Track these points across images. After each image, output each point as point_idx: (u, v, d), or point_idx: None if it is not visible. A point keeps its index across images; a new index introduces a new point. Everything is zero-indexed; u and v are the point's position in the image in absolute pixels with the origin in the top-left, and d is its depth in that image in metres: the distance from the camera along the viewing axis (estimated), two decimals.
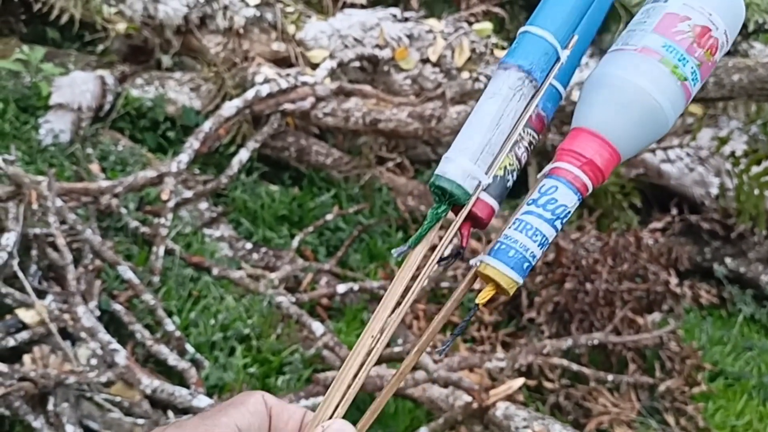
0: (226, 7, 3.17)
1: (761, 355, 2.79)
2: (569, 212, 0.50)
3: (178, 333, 2.04)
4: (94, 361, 1.86)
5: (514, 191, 0.56)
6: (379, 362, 1.78)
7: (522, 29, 0.53)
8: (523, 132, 0.52)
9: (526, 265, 0.49)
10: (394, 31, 3.11)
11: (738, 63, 2.31)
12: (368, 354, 0.49)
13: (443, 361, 2.01)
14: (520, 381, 1.90)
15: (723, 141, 2.97)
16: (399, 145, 3.33)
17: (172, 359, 1.94)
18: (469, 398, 1.86)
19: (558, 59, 0.52)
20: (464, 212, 0.50)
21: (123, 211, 2.44)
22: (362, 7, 3.45)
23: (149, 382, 1.81)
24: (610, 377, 2.26)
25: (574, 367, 2.23)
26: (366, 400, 1.76)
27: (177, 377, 1.93)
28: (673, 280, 2.65)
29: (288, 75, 2.92)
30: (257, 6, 3.20)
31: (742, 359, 2.75)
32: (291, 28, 3.19)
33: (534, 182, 0.52)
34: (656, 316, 2.56)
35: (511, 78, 0.51)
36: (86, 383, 1.78)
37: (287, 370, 2.12)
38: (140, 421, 1.78)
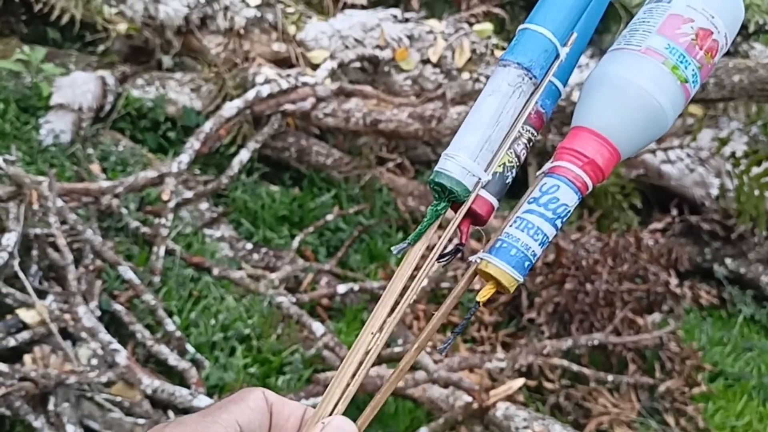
0: (226, 8, 3.17)
1: (761, 355, 2.79)
2: (570, 211, 0.51)
3: (178, 333, 2.04)
4: (94, 361, 1.86)
5: (515, 190, 0.56)
6: (379, 362, 1.77)
7: (521, 26, 0.54)
8: (523, 129, 0.52)
9: (527, 263, 0.50)
10: (394, 31, 3.11)
11: (738, 64, 2.31)
12: (368, 351, 0.49)
13: (443, 362, 2.01)
14: (520, 381, 1.90)
15: (723, 142, 2.97)
16: (399, 145, 3.33)
17: (173, 359, 1.94)
18: (469, 398, 1.86)
19: (557, 56, 0.52)
20: (464, 209, 0.50)
21: (124, 211, 2.44)
22: (363, 7, 3.45)
23: (150, 382, 1.81)
24: (610, 378, 2.27)
25: (575, 367, 2.23)
26: (366, 401, 1.76)
27: (177, 377, 1.94)
28: (674, 281, 2.65)
29: (288, 75, 2.93)
30: (258, 6, 3.20)
31: (742, 360, 2.75)
32: (291, 29, 3.19)
33: (534, 180, 0.52)
34: (656, 316, 2.56)
35: (511, 75, 0.51)
36: (87, 383, 1.78)
37: (287, 370, 2.12)
38: (141, 421, 1.78)
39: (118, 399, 1.81)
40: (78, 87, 2.98)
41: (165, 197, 2.38)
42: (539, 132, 0.53)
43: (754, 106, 2.97)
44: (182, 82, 3.20)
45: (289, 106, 2.88)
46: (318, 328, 2.16)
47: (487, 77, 2.97)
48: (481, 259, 0.50)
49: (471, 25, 3.25)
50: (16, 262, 2.00)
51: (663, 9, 0.54)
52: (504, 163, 0.51)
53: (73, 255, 2.10)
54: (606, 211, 3.12)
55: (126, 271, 2.13)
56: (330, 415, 0.48)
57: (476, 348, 2.40)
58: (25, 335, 1.89)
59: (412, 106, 2.80)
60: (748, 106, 3.02)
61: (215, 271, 2.39)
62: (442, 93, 2.87)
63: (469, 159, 0.50)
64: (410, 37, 3.12)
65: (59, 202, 2.15)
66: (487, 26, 3.21)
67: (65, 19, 3.21)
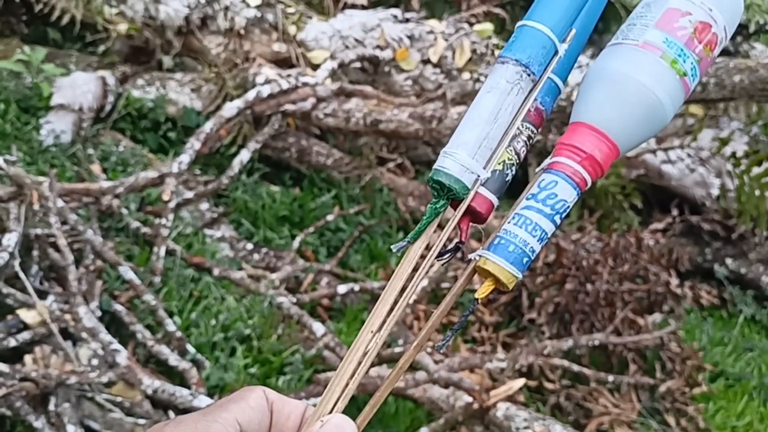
0: (227, 8, 3.17)
1: (762, 355, 2.79)
2: (568, 207, 0.50)
3: (179, 333, 2.04)
4: (95, 362, 1.86)
5: (516, 190, 0.56)
6: (379, 362, 1.77)
7: (519, 23, 0.54)
8: (522, 126, 0.52)
9: (525, 260, 0.49)
10: (394, 31, 3.11)
11: (739, 64, 2.31)
12: (367, 350, 0.49)
13: (444, 362, 2.01)
14: (521, 382, 1.90)
15: (724, 142, 2.97)
16: (400, 145, 3.33)
17: (173, 359, 1.94)
18: (469, 399, 1.86)
19: (556, 53, 0.52)
20: (463, 207, 0.50)
21: (124, 211, 2.44)
22: (363, 7, 3.45)
23: (150, 382, 1.81)
24: (610, 378, 2.26)
25: (575, 367, 2.23)
26: (367, 401, 1.76)
27: (178, 377, 1.94)
28: (674, 281, 2.65)
29: (289, 76, 2.93)
30: (258, 7, 3.20)
31: (742, 360, 2.75)
32: (292, 29, 3.19)
33: (533, 176, 0.52)
34: (657, 316, 2.56)
35: (509, 72, 0.51)
36: (87, 383, 1.78)
37: (288, 370, 2.12)
38: (141, 421, 1.78)
39: (119, 399, 1.81)
40: (78, 87, 2.98)
41: (165, 197, 2.38)
42: (539, 129, 0.53)
43: (754, 106, 2.97)
44: (183, 82, 3.21)
45: (289, 107, 2.88)
46: (318, 328, 2.16)
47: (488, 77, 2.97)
48: (480, 256, 0.50)
49: (471, 25, 3.25)
50: (16, 263, 2.00)
51: (661, 3, 0.54)
52: (504, 161, 0.51)
53: (74, 255, 2.10)
54: (606, 212, 3.12)
55: (126, 271, 2.13)
56: (330, 413, 0.48)
57: (477, 348, 2.40)
58: (25, 335, 1.89)
59: (413, 107, 2.80)
60: (749, 106, 3.02)
61: (216, 272, 2.39)
62: (443, 93, 2.87)
63: (467, 156, 0.50)
64: (410, 38, 3.12)
65: (60, 203, 2.15)
66: (488, 26, 3.21)
67: (66, 19, 3.21)
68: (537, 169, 0.52)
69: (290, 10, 3.27)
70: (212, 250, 2.54)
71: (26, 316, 1.93)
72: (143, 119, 3.10)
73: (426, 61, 3.09)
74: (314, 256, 2.73)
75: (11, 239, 2.01)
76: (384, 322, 0.49)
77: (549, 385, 2.24)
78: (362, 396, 1.76)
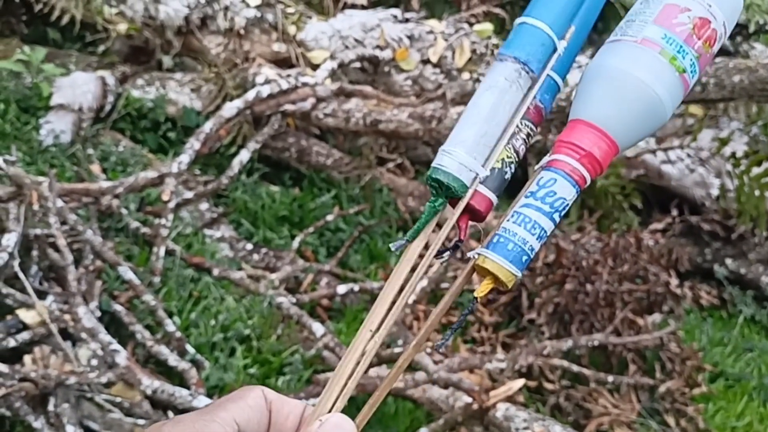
0: (226, 8, 3.17)
1: (762, 356, 2.79)
2: (568, 205, 0.50)
3: (178, 333, 2.04)
4: (94, 362, 1.86)
5: (515, 189, 0.56)
6: (379, 363, 1.77)
7: (518, 21, 0.53)
8: (521, 124, 0.51)
9: (524, 258, 0.49)
10: (394, 31, 3.11)
11: (739, 64, 2.31)
12: (366, 348, 0.49)
13: (443, 362, 2.01)
14: (521, 382, 1.90)
15: (723, 142, 2.97)
16: (399, 145, 3.33)
17: (173, 360, 1.94)
18: (469, 399, 1.85)
19: (555, 50, 0.52)
20: (462, 204, 0.50)
21: (124, 211, 2.44)
22: (363, 7, 3.45)
23: (150, 382, 1.81)
24: (610, 378, 2.26)
25: (575, 368, 2.23)
26: (366, 401, 1.76)
27: (177, 378, 1.93)
28: (674, 281, 2.65)
29: (288, 76, 2.93)
30: (258, 7, 3.20)
31: (742, 360, 2.75)
32: (292, 29, 3.19)
33: (532, 174, 0.52)
34: (656, 317, 2.56)
35: (508, 69, 0.51)
36: (87, 384, 1.78)
37: (287, 370, 2.11)
38: (141, 421, 1.77)
39: (118, 400, 1.81)
40: (78, 87, 2.98)
41: (165, 197, 2.37)
42: (538, 127, 0.53)
43: (754, 106, 2.97)
44: (182, 82, 3.20)
45: (289, 107, 2.88)
46: (318, 328, 2.16)
47: None
48: (479, 254, 0.50)
49: (471, 25, 3.25)
50: (16, 263, 2.00)
51: None
52: (503, 159, 0.51)
53: (73, 255, 2.10)
54: (606, 212, 3.12)
55: (126, 271, 2.13)
56: (329, 412, 0.48)
57: (476, 348, 2.40)
58: (25, 336, 1.89)
59: (413, 107, 2.80)
60: (749, 107, 3.01)
61: (215, 272, 2.39)
62: (443, 93, 2.87)
63: (466, 154, 0.50)
64: (410, 38, 3.12)
65: (59, 203, 2.15)
66: (488, 26, 3.20)
67: (65, 19, 3.21)
68: (536, 167, 0.52)
69: (290, 10, 3.26)
70: (212, 250, 2.54)
71: (25, 316, 1.93)
72: (143, 119, 3.10)
73: (426, 61, 3.09)
74: (314, 257, 2.73)
75: (11, 239, 2.01)
76: (383, 321, 0.49)
77: (549, 386, 2.24)
78: (361, 396, 1.76)
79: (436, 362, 1.98)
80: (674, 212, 3.11)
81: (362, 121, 2.83)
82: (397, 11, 3.25)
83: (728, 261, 3.15)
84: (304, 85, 2.87)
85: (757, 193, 2.89)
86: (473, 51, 3.08)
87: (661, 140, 3.16)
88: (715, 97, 2.34)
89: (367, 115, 2.82)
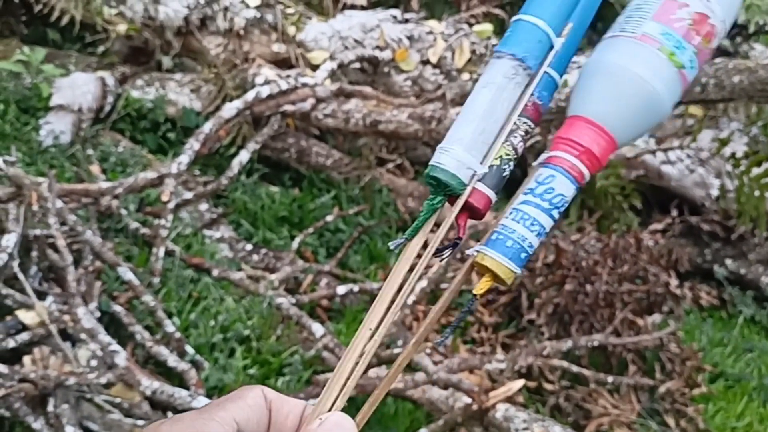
0: (226, 9, 3.17)
1: (761, 356, 2.78)
2: (567, 201, 0.50)
3: (178, 334, 2.04)
4: (94, 363, 1.86)
5: (515, 189, 0.56)
6: (378, 364, 1.76)
7: (515, 18, 0.53)
8: (519, 121, 0.51)
9: (523, 255, 0.49)
10: (394, 32, 3.11)
11: (738, 64, 2.31)
12: (365, 347, 0.49)
13: (443, 363, 2.01)
14: (520, 382, 1.90)
15: (723, 142, 2.97)
16: (399, 146, 3.33)
17: (172, 360, 1.94)
18: (468, 400, 1.85)
19: (552, 47, 0.52)
20: (460, 202, 0.50)
21: (123, 212, 2.44)
22: (362, 8, 3.45)
23: (149, 383, 1.81)
24: (610, 379, 2.26)
25: (574, 368, 2.23)
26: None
27: (177, 378, 1.93)
28: (674, 282, 2.65)
29: (288, 76, 2.93)
30: (257, 7, 3.20)
31: (742, 361, 2.75)
32: (291, 30, 3.19)
33: (531, 171, 0.52)
34: (656, 317, 2.56)
35: (505, 66, 0.51)
36: (86, 384, 1.77)
37: (287, 371, 2.11)
38: (140, 422, 1.77)
39: (118, 400, 1.80)
40: (78, 88, 2.98)
41: (165, 198, 2.37)
42: (537, 124, 0.53)
43: (754, 106, 2.97)
44: (182, 82, 3.20)
45: (288, 107, 2.88)
46: (318, 329, 2.16)
47: None
48: (478, 251, 0.50)
49: (471, 25, 3.25)
50: (15, 264, 2.00)
51: None
52: (501, 156, 0.51)
53: (73, 256, 2.10)
54: (606, 212, 3.12)
55: (125, 272, 2.13)
56: (328, 411, 0.48)
57: (476, 349, 2.40)
58: (24, 336, 1.89)
59: (412, 107, 2.80)
60: (748, 107, 3.01)
61: (215, 272, 2.38)
62: (442, 94, 2.87)
63: (463, 152, 0.49)
64: (410, 38, 3.12)
65: (59, 203, 2.15)
66: (487, 27, 3.21)
67: (65, 20, 3.21)
68: (534, 164, 0.52)
69: (290, 10, 3.27)
70: (211, 250, 2.54)
71: (25, 317, 1.93)
72: (142, 120, 3.10)
73: (425, 62, 3.09)
74: (313, 257, 2.73)
75: (10, 240, 2.01)
76: (382, 319, 0.49)
77: (548, 386, 2.24)
78: (361, 397, 1.76)
79: (435, 363, 1.98)
80: (674, 213, 3.11)
81: (362, 122, 2.83)
82: (396, 12, 3.26)
83: (728, 261, 3.15)
84: (304, 85, 2.87)
85: (756, 193, 2.89)
86: (473, 52, 3.08)
87: (661, 141, 3.16)
88: (715, 97, 2.34)
89: (366, 115, 2.82)
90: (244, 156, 2.78)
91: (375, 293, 2.43)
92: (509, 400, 1.87)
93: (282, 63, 3.18)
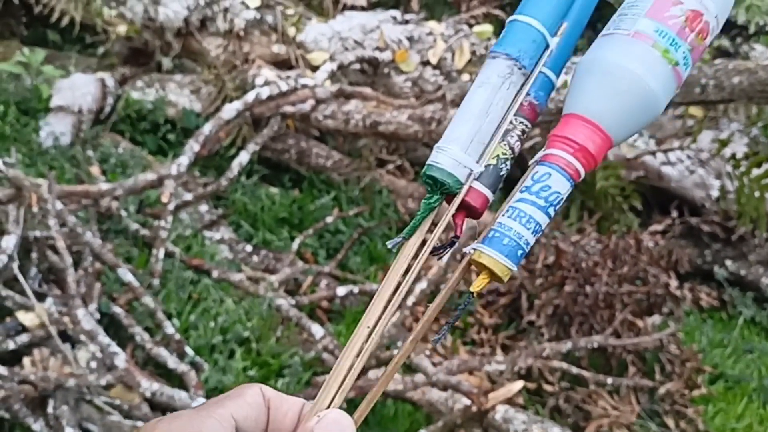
0: (226, 10, 3.18)
1: (761, 357, 2.78)
2: (562, 199, 0.50)
3: (177, 336, 2.04)
4: (93, 364, 1.86)
5: (512, 186, 0.56)
6: (377, 365, 1.76)
7: (510, 18, 0.54)
8: (515, 121, 0.52)
9: (520, 252, 0.49)
10: (394, 33, 3.11)
11: (738, 65, 2.31)
12: (363, 345, 0.49)
13: (442, 364, 2.01)
14: (520, 384, 1.90)
15: (723, 143, 2.97)
16: (399, 147, 3.33)
17: (172, 362, 1.94)
18: (468, 401, 1.85)
19: (547, 47, 0.52)
20: (456, 201, 0.50)
21: (123, 213, 2.44)
22: (362, 9, 3.45)
23: (149, 384, 1.81)
24: (609, 380, 2.26)
25: (574, 369, 2.23)
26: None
27: (177, 380, 1.93)
28: (674, 283, 2.64)
29: (288, 77, 2.93)
30: (257, 8, 3.20)
31: (742, 362, 2.75)
32: (291, 31, 3.19)
33: (527, 169, 0.52)
34: (656, 318, 2.56)
35: (500, 66, 0.51)
36: (86, 386, 1.77)
37: (287, 373, 2.11)
38: (140, 423, 1.77)
39: (117, 402, 1.80)
40: (78, 89, 2.98)
41: (164, 199, 2.37)
42: (533, 124, 0.53)
43: (754, 107, 2.98)
44: (182, 84, 3.21)
45: (288, 108, 2.88)
46: (317, 330, 2.16)
47: None
48: (474, 249, 0.50)
49: (471, 26, 3.26)
50: (15, 265, 2.00)
51: None
52: (498, 155, 0.51)
53: (73, 258, 2.10)
54: (606, 213, 3.12)
55: (125, 273, 2.13)
56: (327, 408, 0.48)
57: (475, 350, 2.40)
58: (24, 338, 1.89)
59: (412, 108, 2.80)
60: (749, 108, 3.02)
61: (215, 274, 2.38)
62: (442, 95, 2.87)
63: (460, 151, 0.50)
64: (410, 39, 3.12)
65: (59, 205, 2.15)
66: (487, 28, 3.21)
67: (65, 21, 3.22)
68: (530, 162, 0.52)
69: (289, 11, 3.27)
70: (211, 252, 2.54)
71: (25, 318, 1.93)
72: (142, 121, 3.11)
73: (425, 63, 3.09)
74: (313, 258, 2.73)
75: (10, 242, 2.01)
76: (380, 317, 0.49)
77: (548, 388, 2.24)
78: (360, 398, 1.76)
79: (435, 364, 1.98)
80: (674, 214, 3.11)
81: (362, 123, 2.83)
82: (396, 13, 3.26)
83: (728, 262, 3.15)
84: (304, 86, 2.87)
85: (757, 194, 2.89)
86: (473, 52, 3.08)
87: (661, 142, 3.16)
88: (715, 98, 2.34)
89: (366, 116, 2.82)
90: (244, 157, 2.78)
91: (375, 294, 2.44)
92: (509, 401, 1.87)
93: (282, 64, 3.18)
